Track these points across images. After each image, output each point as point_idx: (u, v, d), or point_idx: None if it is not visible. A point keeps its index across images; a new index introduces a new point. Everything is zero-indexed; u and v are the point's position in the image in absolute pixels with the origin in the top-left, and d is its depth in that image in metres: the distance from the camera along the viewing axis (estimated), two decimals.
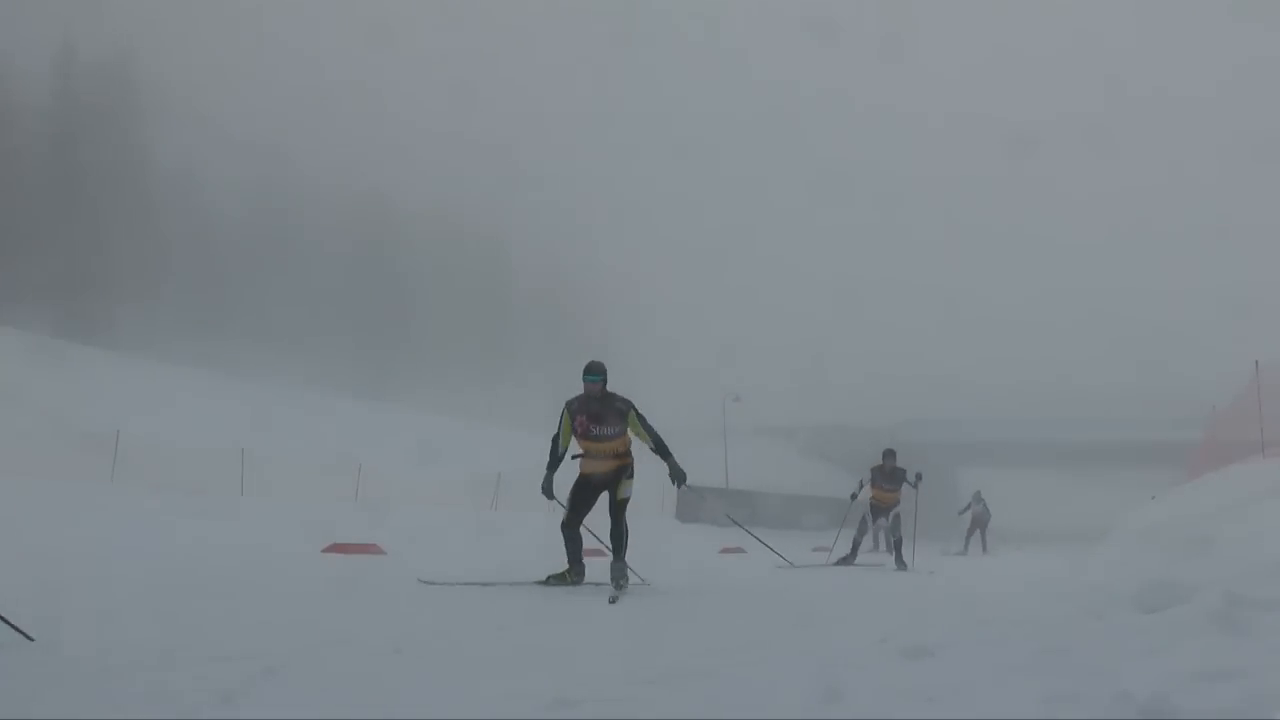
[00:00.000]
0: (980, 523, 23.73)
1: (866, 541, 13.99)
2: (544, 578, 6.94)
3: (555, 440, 7.07)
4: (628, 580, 6.83)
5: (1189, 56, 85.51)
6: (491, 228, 63.83)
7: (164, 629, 4.06)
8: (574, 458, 7.08)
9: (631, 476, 7.09)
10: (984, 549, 23.32)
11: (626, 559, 6.91)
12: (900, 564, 12.95)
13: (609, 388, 7.04)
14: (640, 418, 6.99)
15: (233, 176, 52.40)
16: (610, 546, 6.98)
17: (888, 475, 13.48)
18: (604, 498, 7.03)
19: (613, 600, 6.12)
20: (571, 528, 7.01)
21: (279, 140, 55.68)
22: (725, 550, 17.04)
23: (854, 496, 13.80)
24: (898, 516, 13.35)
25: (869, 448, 18.95)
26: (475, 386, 57.12)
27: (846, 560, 12.89)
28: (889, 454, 13.87)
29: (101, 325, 43.27)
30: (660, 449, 7.07)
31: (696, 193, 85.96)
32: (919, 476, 13.63)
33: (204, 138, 51.58)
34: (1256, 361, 13.18)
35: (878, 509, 13.49)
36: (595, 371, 6.96)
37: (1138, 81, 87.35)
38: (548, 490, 7.10)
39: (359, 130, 62.62)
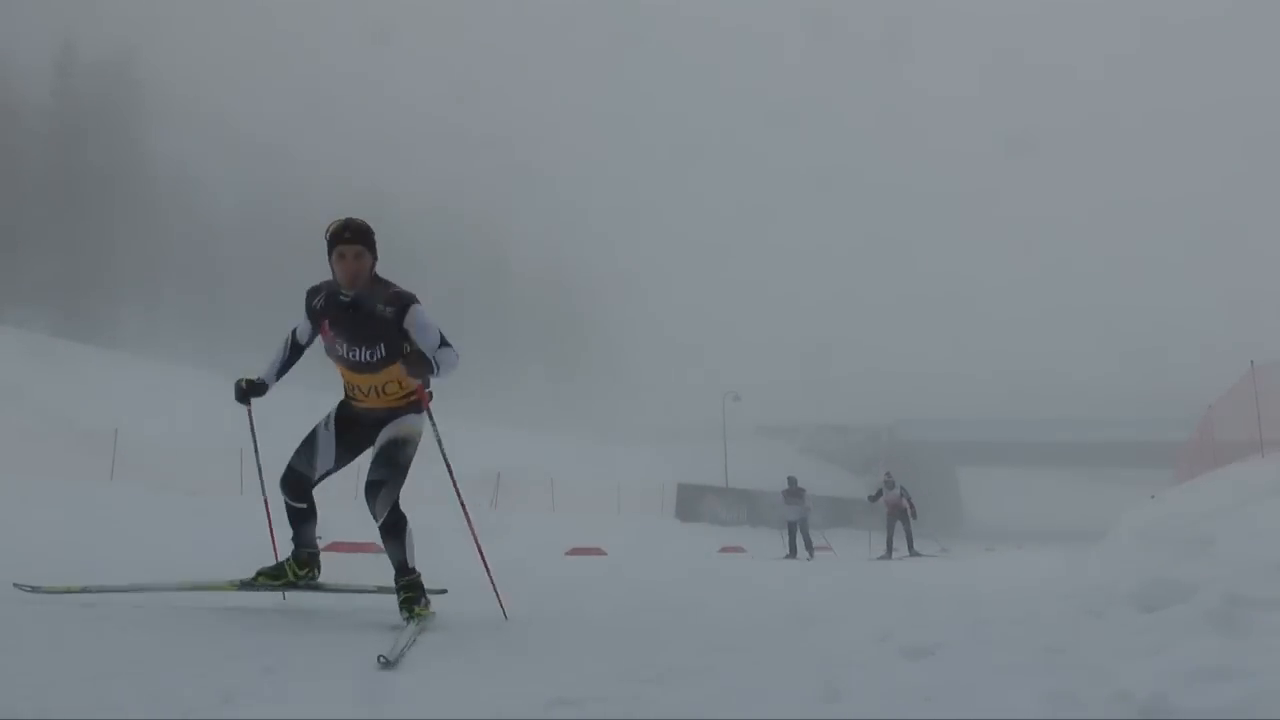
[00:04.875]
0: (899, 513, 18.37)
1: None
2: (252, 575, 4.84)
3: None
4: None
5: (1188, 57, 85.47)
6: (492, 226, 63.81)
7: (164, 629, 4.06)
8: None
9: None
10: (909, 547, 18.06)
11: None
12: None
13: None
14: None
15: (233, 176, 52.35)
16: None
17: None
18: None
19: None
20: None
21: (279, 139, 55.63)
22: (725, 549, 17.06)
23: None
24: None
25: (868, 447, 19.59)
26: (474, 385, 57.10)
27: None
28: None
29: (101, 325, 43.25)
30: None
31: (696, 192, 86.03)
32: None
33: (204, 137, 51.53)
34: (1252, 361, 13.17)
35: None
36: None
37: (1137, 81, 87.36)
38: None
39: (359, 129, 62.64)
